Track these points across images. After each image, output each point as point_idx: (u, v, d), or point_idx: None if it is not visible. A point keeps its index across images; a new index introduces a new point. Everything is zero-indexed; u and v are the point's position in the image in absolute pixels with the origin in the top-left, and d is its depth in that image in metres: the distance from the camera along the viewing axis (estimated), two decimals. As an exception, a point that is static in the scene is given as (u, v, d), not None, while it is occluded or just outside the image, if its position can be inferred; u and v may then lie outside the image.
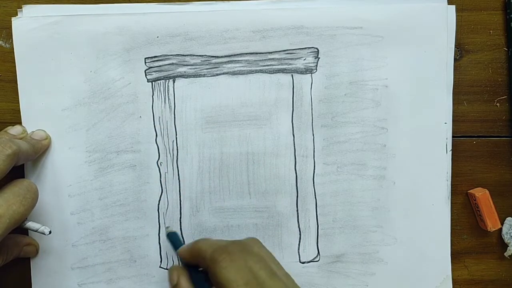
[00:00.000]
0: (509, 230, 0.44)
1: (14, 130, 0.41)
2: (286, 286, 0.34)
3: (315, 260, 0.44)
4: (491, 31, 0.44)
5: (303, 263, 0.44)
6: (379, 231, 0.44)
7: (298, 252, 0.44)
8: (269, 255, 0.36)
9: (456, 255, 0.45)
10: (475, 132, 0.45)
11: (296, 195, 0.44)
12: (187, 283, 0.37)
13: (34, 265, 0.43)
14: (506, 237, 0.44)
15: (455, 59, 0.43)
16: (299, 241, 0.44)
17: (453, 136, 0.44)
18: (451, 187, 0.44)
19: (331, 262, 0.44)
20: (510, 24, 0.43)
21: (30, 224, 0.38)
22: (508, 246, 0.44)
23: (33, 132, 0.41)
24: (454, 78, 0.43)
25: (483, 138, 0.45)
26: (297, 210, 0.44)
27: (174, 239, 0.41)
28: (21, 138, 0.40)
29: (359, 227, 0.44)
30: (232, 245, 0.36)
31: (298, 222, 0.44)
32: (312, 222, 0.44)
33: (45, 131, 0.42)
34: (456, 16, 0.43)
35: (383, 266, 0.44)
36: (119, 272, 0.43)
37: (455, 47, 0.43)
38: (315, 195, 0.44)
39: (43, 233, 0.38)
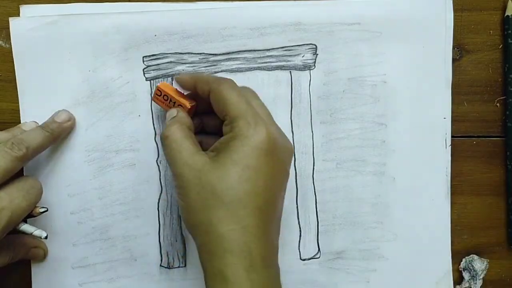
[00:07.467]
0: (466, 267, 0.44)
1: (27, 126, 0.41)
2: (274, 127, 0.35)
3: (315, 257, 0.44)
4: (491, 31, 0.43)
5: (304, 260, 0.44)
6: (379, 227, 0.44)
7: (299, 249, 0.44)
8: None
9: (456, 255, 0.44)
10: (475, 132, 0.44)
11: (296, 192, 0.43)
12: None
13: (34, 264, 0.43)
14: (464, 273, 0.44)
15: (455, 59, 0.43)
16: (300, 238, 0.44)
17: (453, 136, 0.43)
18: (451, 188, 0.44)
19: (332, 259, 0.44)
20: (508, 40, 0.42)
21: (26, 227, 0.38)
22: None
23: (57, 112, 0.41)
24: (454, 78, 0.43)
25: (483, 138, 0.44)
26: (297, 207, 0.44)
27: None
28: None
29: (359, 223, 0.44)
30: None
31: (298, 219, 0.44)
32: (312, 219, 0.44)
33: (68, 112, 0.41)
34: (456, 16, 0.42)
35: (384, 262, 0.44)
36: (120, 271, 0.43)
37: (455, 47, 0.43)
38: (314, 191, 0.43)
39: (40, 237, 0.38)
